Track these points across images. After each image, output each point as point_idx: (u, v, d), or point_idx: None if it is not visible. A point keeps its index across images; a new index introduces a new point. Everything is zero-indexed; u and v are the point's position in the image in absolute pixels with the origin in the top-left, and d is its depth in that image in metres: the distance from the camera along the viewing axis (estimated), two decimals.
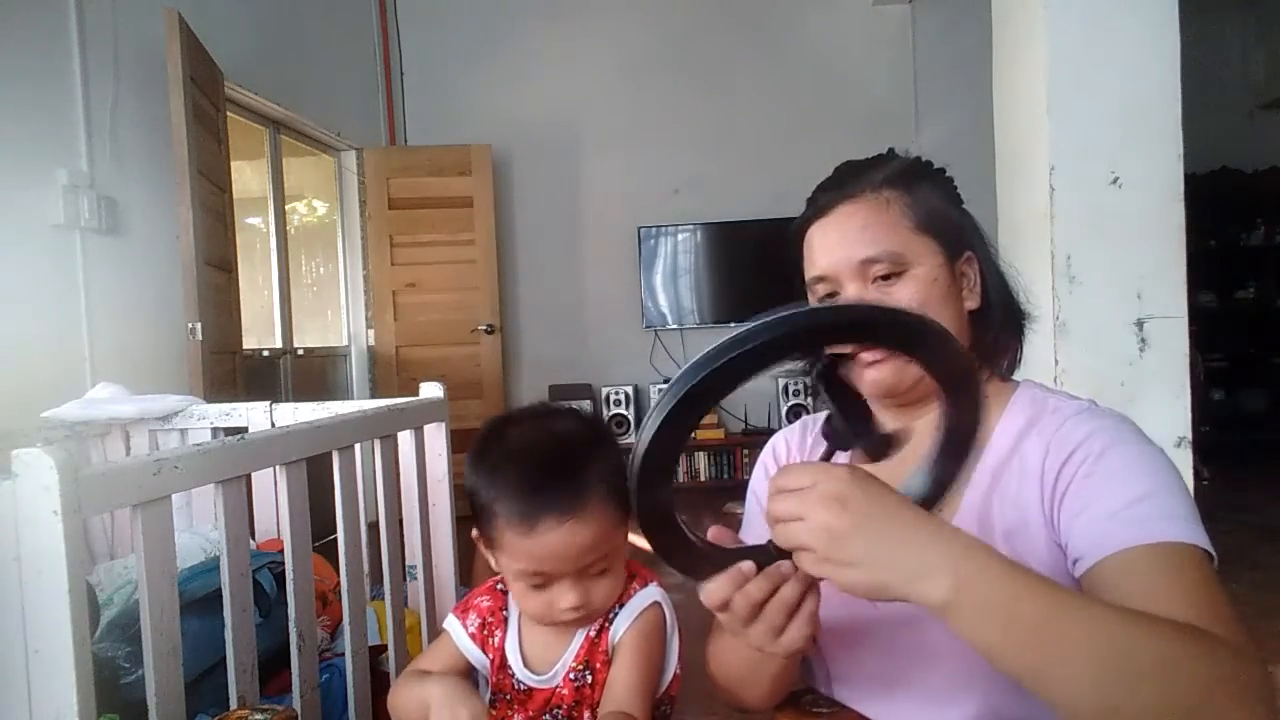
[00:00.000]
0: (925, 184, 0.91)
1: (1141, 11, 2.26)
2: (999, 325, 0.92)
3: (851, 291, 0.88)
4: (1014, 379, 0.94)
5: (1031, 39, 2.35)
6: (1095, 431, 0.81)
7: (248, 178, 4.31)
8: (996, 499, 0.84)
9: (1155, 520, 0.74)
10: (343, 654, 1.66)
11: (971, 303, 0.91)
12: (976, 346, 0.90)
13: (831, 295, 0.90)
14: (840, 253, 0.89)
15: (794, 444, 1.03)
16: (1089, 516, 0.76)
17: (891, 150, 0.97)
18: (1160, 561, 0.72)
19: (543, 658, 0.98)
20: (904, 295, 0.86)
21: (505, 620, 1.01)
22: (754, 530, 1.00)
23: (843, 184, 0.92)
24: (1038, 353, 2.32)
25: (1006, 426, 0.87)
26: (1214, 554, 0.74)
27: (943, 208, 0.91)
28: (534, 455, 0.90)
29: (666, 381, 5.20)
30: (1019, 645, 0.62)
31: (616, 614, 0.97)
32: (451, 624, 1.02)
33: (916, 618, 0.83)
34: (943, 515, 0.81)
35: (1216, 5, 5.21)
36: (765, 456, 1.04)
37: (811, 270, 0.92)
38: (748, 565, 0.70)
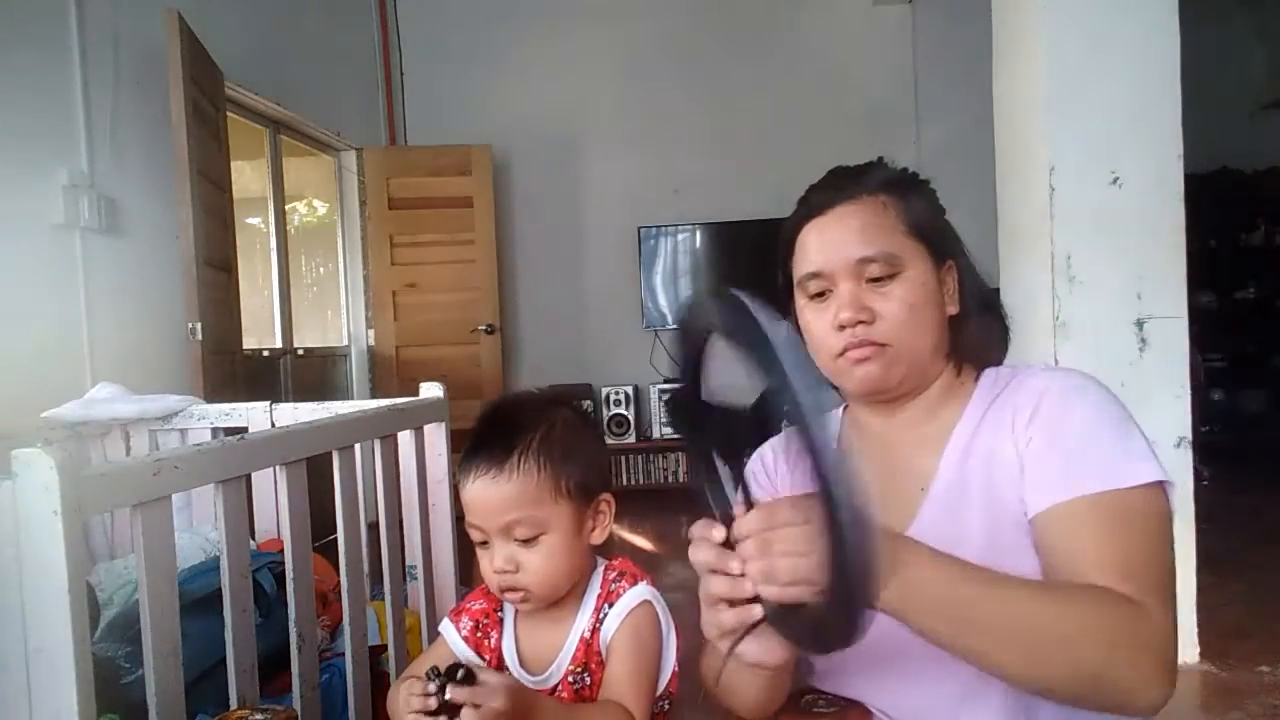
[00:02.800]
0: (915, 193, 0.95)
1: (1142, 12, 2.26)
2: (975, 329, 0.96)
3: (845, 289, 0.90)
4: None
5: (1031, 39, 2.35)
6: (1051, 384, 0.87)
7: (248, 178, 4.31)
8: (974, 461, 0.89)
9: (1097, 467, 0.80)
10: (343, 654, 1.66)
11: (952, 308, 0.94)
12: (955, 348, 0.95)
13: (823, 294, 0.92)
14: (837, 251, 0.91)
15: (779, 448, 1.03)
16: (1038, 467, 0.83)
17: (880, 160, 1.00)
18: (1086, 515, 0.79)
19: (539, 658, 0.99)
20: (896, 295, 0.89)
21: (500, 622, 1.02)
22: None
23: (839, 185, 0.95)
24: (1038, 353, 2.32)
25: (977, 399, 0.93)
26: (1162, 479, 0.80)
27: (930, 217, 0.95)
28: (488, 418, 1.00)
29: (667, 381, 5.20)
30: (960, 632, 0.71)
31: (606, 613, 0.97)
32: (446, 628, 1.03)
33: None
34: (925, 489, 0.91)
35: (1216, 6, 5.21)
36: (753, 465, 1.05)
37: (805, 267, 0.94)
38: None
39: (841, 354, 0.90)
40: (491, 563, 0.95)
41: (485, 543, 0.96)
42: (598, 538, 1.00)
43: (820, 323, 0.92)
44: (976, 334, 0.96)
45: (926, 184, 0.99)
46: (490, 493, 0.94)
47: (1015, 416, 0.87)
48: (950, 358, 0.95)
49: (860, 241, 0.90)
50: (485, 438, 0.97)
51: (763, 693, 0.87)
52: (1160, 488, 0.80)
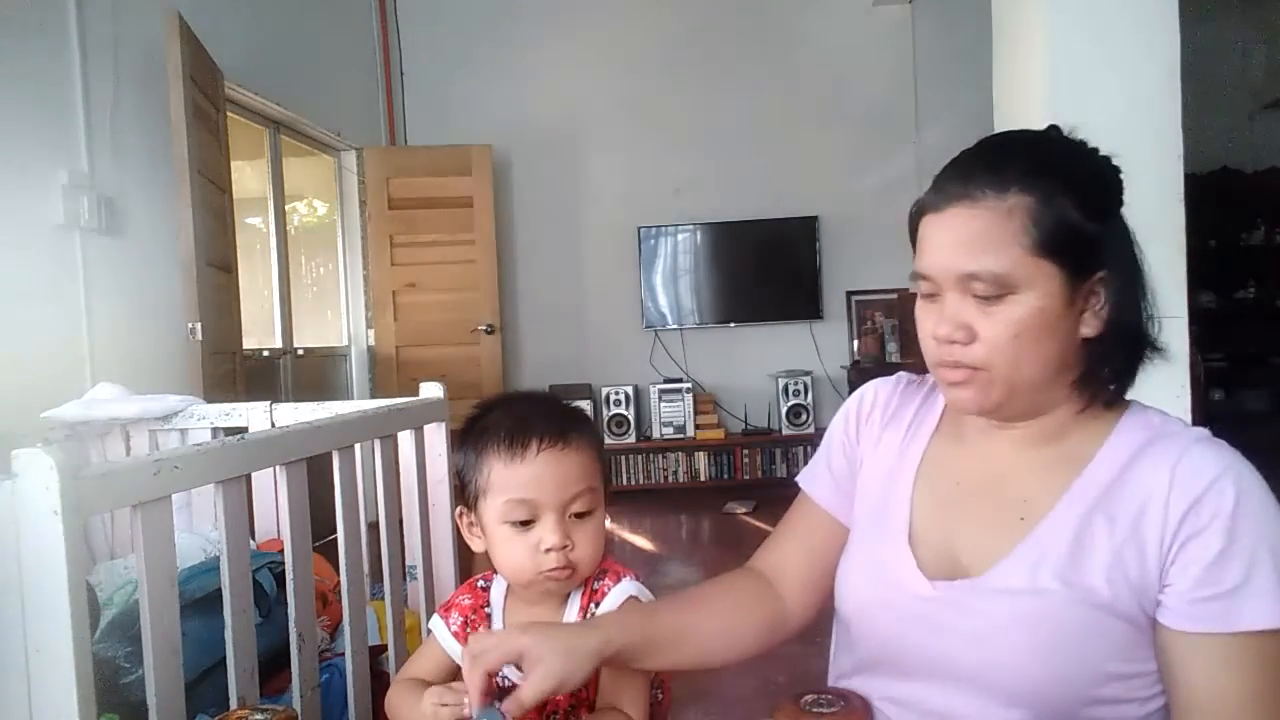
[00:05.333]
0: (1066, 190, 0.80)
1: (1142, 12, 2.26)
2: (1120, 353, 0.84)
3: (951, 300, 0.82)
4: (1125, 400, 0.88)
5: (1031, 39, 2.34)
6: (1224, 475, 0.78)
7: (248, 178, 4.31)
8: (1103, 517, 0.81)
9: (1257, 603, 0.74)
10: (343, 654, 1.66)
11: (1090, 329, 0.82)
12: (1088, 377, 0.84)
13: (932, 296, 0.85)
14: (945, 259, 0.82)
15: (882, 396, 1.02)
16: (1201, 578, 0.76)
17: (1050, 131, 0.86)
18: (1243, 653, 0.75)
19: None
20: (1002, 318, 0.79)
21: (488, 617, 1.02)
22: (824, 466, 1.03)
23: (967, 176, 0.82)
24: None
25: (1117, 444, 0.83)
26: None
27: (1077, 221, 0.80)
28: (525, 400, 1.02)
29: (667, 381, 5.22)
30: None
31: (594, 611, 0.97)
32: (435, 624, 1.03)
33: (963, 602, 0.84)
34: (1027, 519, 0.84)
35: (1217, 5, 5.21)
36: (851, 403, 1.04)
37: (918, 263, 0.85)
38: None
39: (938, 365, 0.85)
40: (538, 544, 0.93)
41: (529, 522, 0.94)
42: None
43: (926, 323, 0.85)
44: (1119, 361, 0.84)
45: (1098, 170, 0.84)
46: (560, 463, 0.94)
47: (1172, 496, 0.78)
48: (1079, 384, 0.84)
49: (969, 254, 0.80)
50: (532, 414, 0.96)
51: None
52: None
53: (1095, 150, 0.85)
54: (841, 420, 1.03)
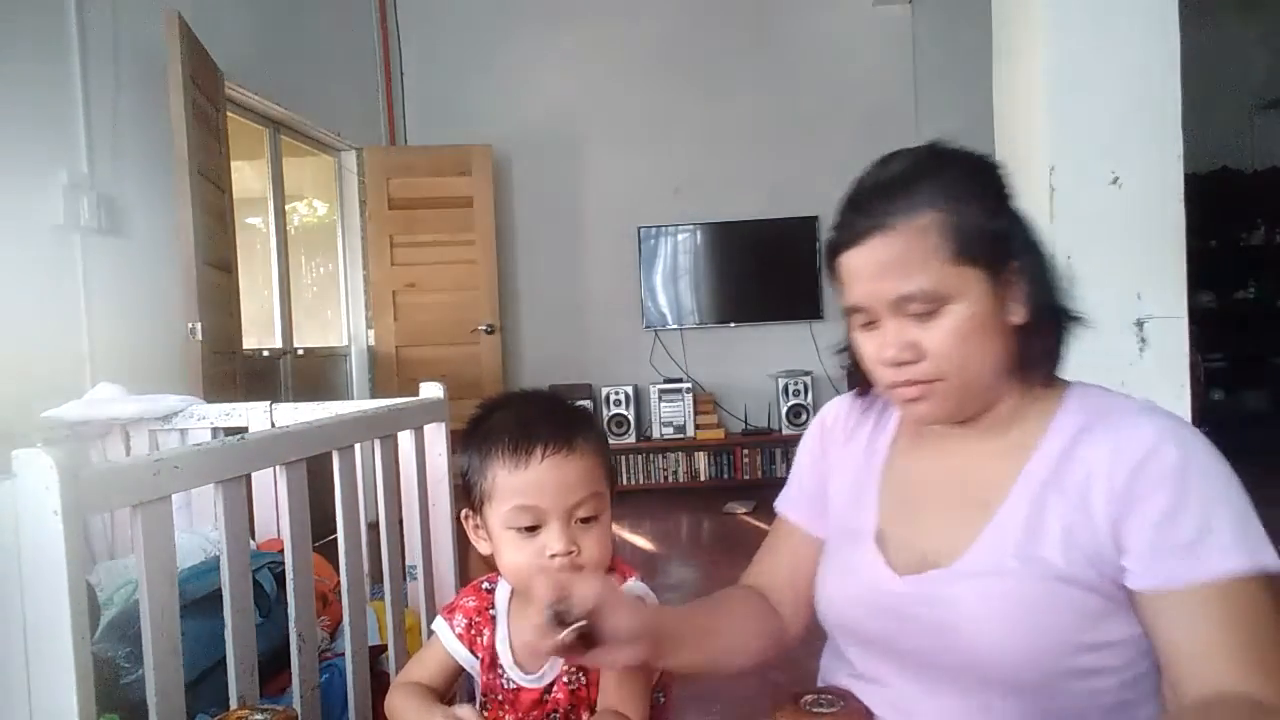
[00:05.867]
0: (967, 199, 0.84)
1: (1142, 11, 2.26)
2: (1047, 332, 0.88)
3: (890, 325, 0.85)
4: (1064, 379, 0.91)
5: (1031, 39, 2.34)
6: (1164, 439, 0.80)
7: (248, 178, 4.31)
8: (1054, 493, 0.83)
9: (1218, 553, 0.77)
10: (343, 654, 1.66)
11: (1017, 316, 0.86)
12: (1024, 359, 0.87)
13: (870, 324, 0.87)
14: (876, 288, 0.85)
15: (842, 413, 1.05)
16: (1155, 538, 0.78)
17: (932, 148, 0.90)
18: (1212, 603, 0.76)
19: (533, 657, 0.98)
20: (941, 331, 0.83)
21: (493, 619, 1.02)
22: (796, 489, 1.07)
23: (871, 211, 0.85)
24: None
25: (1063, 424, 0.86)
26: (1276, 567, 0.78)
27: (987, 223, 0.84)
28: (529, 402, 1.00)
29: (667, 381, 5.20)
30: None
31: None
32: (439, 625, 1.03)
33: (937, 597, 0.86)
34: (988, 507, 0.86)
35: (1217, 5, 5.21)
36: (815, 425, 1.08)
37: (848, 299, 0.88)
38: None
39: (892, 386, 0.87)
40: (542, 550, 0.93)
41: (534, 528, 0.93)
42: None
43: (870, 350, 0.88)
44: (1049, 340, 0.88)
45: (988, 174, 0.89)
46: (564, 470, 0.93)
47: (1114, 465, 0.81)
48: (1019, 370, 0.88)
49: (898, 278, 0.83)
50: (536, 419, 0.95)
51: None
52: (1274, 578, 0.77)
53: (976, 152, 0.90)
54: (809, 440, 1.08)
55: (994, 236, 0.85)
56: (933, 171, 0.86)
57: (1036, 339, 0.87)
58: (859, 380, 0.98)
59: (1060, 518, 0.82)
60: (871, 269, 0.85)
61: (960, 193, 0.84)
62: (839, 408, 1.06)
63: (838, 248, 0.88)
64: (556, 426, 0.94)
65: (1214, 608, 0.76)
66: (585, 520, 0.94)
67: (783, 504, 1.09)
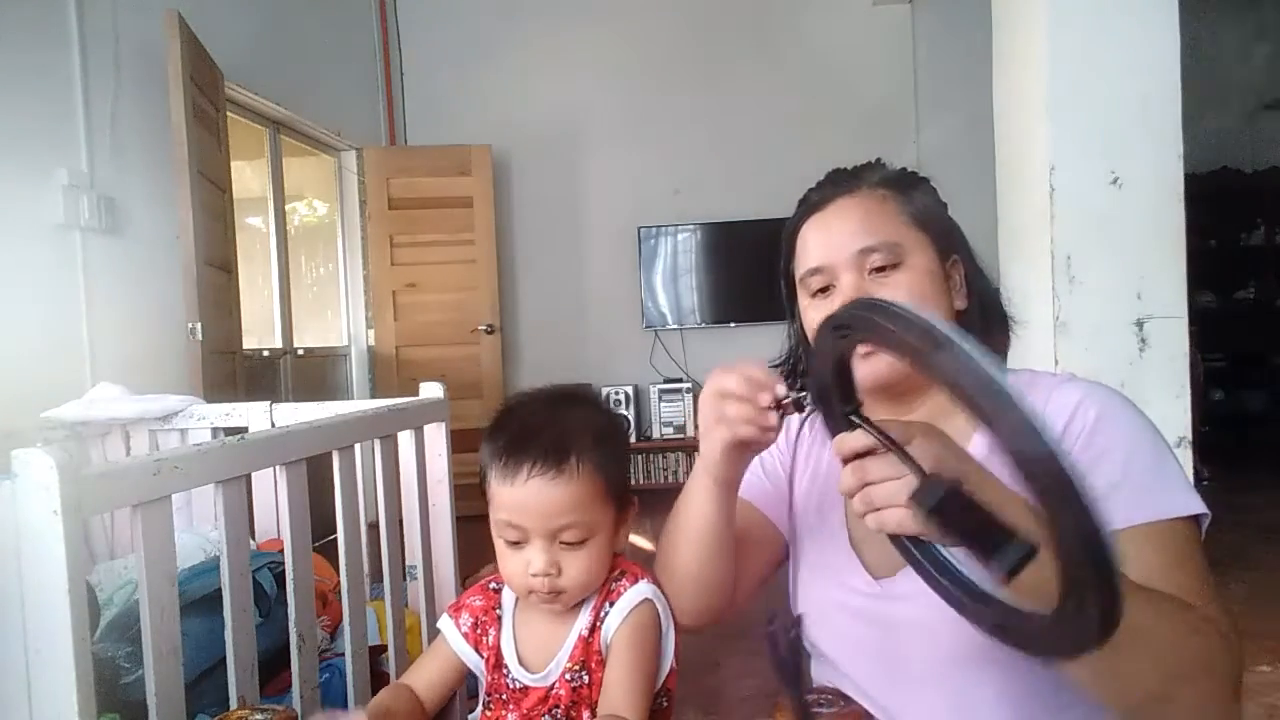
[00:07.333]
0: (915, 189, 0.95)
1: (1142, 11, 2.26)
2: (983, 326, 0.94)
3: (847, 282, 0.89)
4: None
5: (1031, 39, 2.35)
6: (1086, 398, 0.84)
7: (248, 178, 4.31)
8: (996, 468, 0.85)
9: (1145, 496, 0.79)
10: (343, 654, 1.66)
11: (960, 302, 0.93)
12: None
13: (825, 289, 0.92)
14: (838, 242, 0.90)
15: (806, 420, 1.05)
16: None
17: (879, 160, 1.00)
18: (1153, 541, 0.78)
19: (538, 656, 0.98)
20: (903, 284, 0.87)
21: (499, 619, 1.01)
22: (755, 465, 1.05)
23: (838, 181, 0.95)
24: (1038, 352, 2.32)
25: None
26: (1203, 512, 0.80)
27: (935, 209, 0.94)
28: (532, 411, 0.96)
29: (667, 381, 5.16)
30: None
31: (608, 612, 0.96)
32: (445, 624, 1.02)
33: (911, 598, 0.85)
34: None
35: (1216, 5, 5.21)
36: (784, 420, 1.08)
37: (806, 263, 0.93)
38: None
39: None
40: (527, 565, 0.92)
41: (519, 543, 0.92)
42: (623, 540, 0.99)
43: (822, 315, 0.90)
44: (984, 332, 0.94)
45: (926, 181, 0.98)
46: (548, 494, 0.90)
47: None
48: None
49: (861, 231, 0.89)
50: (529, 435, 0.92)
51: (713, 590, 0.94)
52: (1197, 521, 0.80)
53: (916, 172, 0.99)
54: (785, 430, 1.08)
55: (943, 223, 0.94)
56: (880, 168, 0.97)
57: (976, 327, 0.92)
58: (797, 378, 1.00)
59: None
60: (836, 225, 0.91)
61: (905, 184, 0.95)
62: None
63: (802, 218, 0.95)
64: (549, 446, 0.90)
65: (1144, 551, 0.77)
66: (570, 544, 0.92)
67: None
